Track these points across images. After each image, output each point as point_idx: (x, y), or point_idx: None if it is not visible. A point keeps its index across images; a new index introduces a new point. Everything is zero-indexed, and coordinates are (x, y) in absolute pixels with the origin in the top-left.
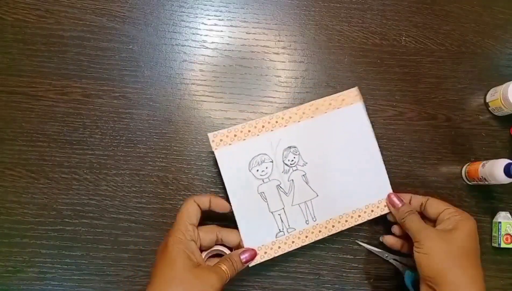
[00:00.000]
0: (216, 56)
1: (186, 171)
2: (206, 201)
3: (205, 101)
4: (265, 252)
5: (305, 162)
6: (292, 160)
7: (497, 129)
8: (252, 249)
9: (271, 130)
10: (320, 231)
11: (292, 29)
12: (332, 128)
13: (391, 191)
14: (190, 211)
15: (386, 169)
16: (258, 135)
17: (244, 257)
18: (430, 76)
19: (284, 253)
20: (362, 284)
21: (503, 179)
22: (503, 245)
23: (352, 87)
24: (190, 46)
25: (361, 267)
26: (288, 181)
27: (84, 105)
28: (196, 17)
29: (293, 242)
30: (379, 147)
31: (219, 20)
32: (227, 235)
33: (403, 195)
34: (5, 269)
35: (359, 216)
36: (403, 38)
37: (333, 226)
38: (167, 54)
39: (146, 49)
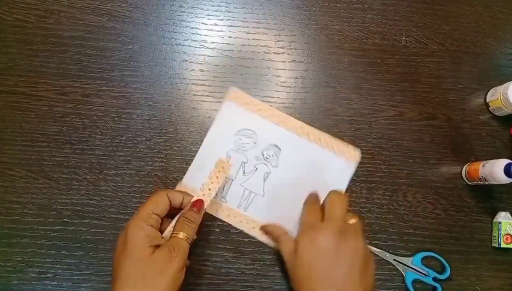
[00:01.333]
0: (216, 56)
1: (186, 171)
2: (179, 197)
3: (205, 101)
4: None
5: (277, 165)
6: (269, 156)
7: (497, 129)
8: (198, 199)
9: (276, 123)
10: (241, 221)
11: (292, 29)
12: (321, 164)
13: None
14: (160, 203)
15: (386, 169)
16: (262, 117)
17: (196, 208)
18: (430, 76)
19: None
20: None
21: (503, 179)
22: (503, 245)
23: (353, 87)
24: (190, 46)
25: None
26: (253, 166)
27: (84, 105)
28: (196, 17)
29: (216, 209)
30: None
31: (219, 20)
32: (173, 195)
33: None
34: (5, 269)
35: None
36: (403, 38)
37: (253, 228)
38: (167, 54)
39: (146, 49)
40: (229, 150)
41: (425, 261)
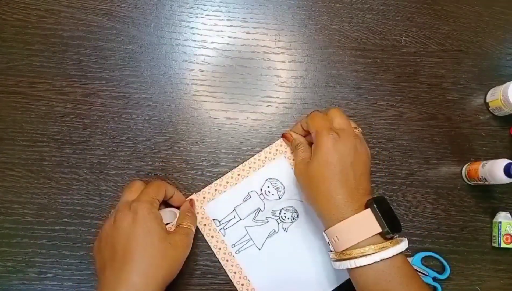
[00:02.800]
0: (216, 56)
1: (186, 171)
2: (171, 192)
3: (205, 101)
4: (202, 218)
5: (287, 229)
6: (284, 218)
7: (497, 129)
8: (190, 199)
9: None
10: (227, 260)
11: (292, 29)
12: (323, 253)
13: None
14: (160, 191)
15: (386, 168)
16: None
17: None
18: (430, 76)
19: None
20: None
21: (503, 179)
22: (503, 245)
23: (353, 87)
24: (190, 46)
25: None
26: (265, 218)
27: (84, 105)
28: (196, 17)
29: (211, 236)
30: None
31: (219, 20)
32: (167, 187)
33: (297, 126)
34: (5, 269)
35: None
36: (403, 38)
37: (234, 273)
38: (167, 54)
39: (146, 49)
40: (252, 190)
41: (425, 261)
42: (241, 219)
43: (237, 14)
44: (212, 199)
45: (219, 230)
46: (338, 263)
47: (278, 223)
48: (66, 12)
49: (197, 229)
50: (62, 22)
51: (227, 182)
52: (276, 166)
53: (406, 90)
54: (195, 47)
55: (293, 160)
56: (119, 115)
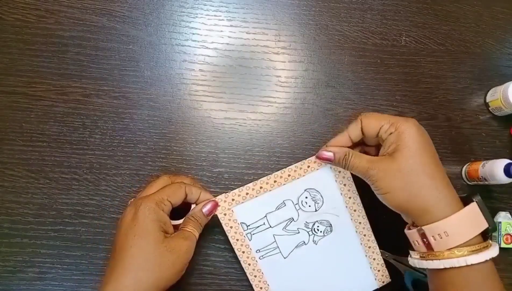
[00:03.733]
0: (216, 56)
1: (186, 171)
2: (196, 194)
3: (205, 101)
4: (229, 219)
5: (317, 243)
6: (317, 231)
7: (497, 129)
8: (213, 200)
9: (346, 205)
10: (249, 264)
11: (292, 29)
12: (352, 267)
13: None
14: (177, 193)
15: None
16: (340, 190)
17: (205, 210)
18: (430, 76)
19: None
20: None
21: (503, 179)
22: (503, 245)
23: (353, 87)
24: (190, 46)
25: None
26: (297, 228)
27: (84, 105)
28: (196, 17)
29: (237, 239)
30: None
31: (219, 20)
32: (191, 190)
33: (338, 138)
34: (5, 269)
35: None
36: (403, 38)
37: (255, 276)
38: (167, 54)
39: (146, 49)
40: (288, 199)
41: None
42: (270, 227)
43: (237, 14)
44: (242, 202)
45: (246, 234)
46: (425, 262)
47: (309, 235)
48: (66, 12)
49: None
50: (62, 22)
51: (261, 187)
52: (318, 176)
53: (406, 90)
54: (195, 47)
55: (349, 170)
56: (119, 115)
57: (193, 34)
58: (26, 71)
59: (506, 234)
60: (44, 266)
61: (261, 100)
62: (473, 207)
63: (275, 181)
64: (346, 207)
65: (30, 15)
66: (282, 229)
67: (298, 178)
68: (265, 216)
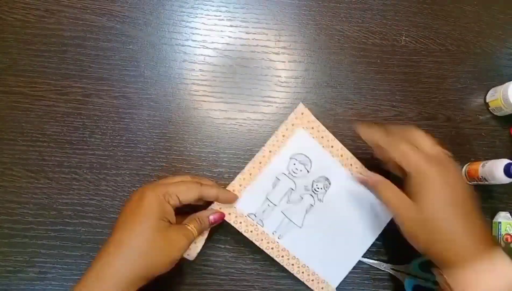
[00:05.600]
0: (216, 56)
1: (186, 171)
2: (213, 195)
3: (205, 101)
4: (229, 214)
5: (322, 200)
6: (318, 189)
7: (497, 129)
8: (222, 213)
9: (332, 156)
10: (272, 248)
11: (292, 29)
12: (363, 202)
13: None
14: (189, 192)
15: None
16: (323, 147)
17: (212, 218)
18: (430, 76)
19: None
20: (362, 285)
21: (503, 179)
22: (503, 245)
23: (353, 87)
24: (190, 46)
25: (360, 268)
26: (299, 195)
27: (84, 105)
28: (196, 17)
29: (251, 231)
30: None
31: (219, 20)
32: (208, 191)
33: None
34: (5, 269)
35: (312, 280)
36: (403, 38)
37: (282, 257)
38: (167, 54)
39: (146, 49)
40: (281, 173)
41: (424, 266)
42: (275, 205)
43: (237, 14)
44: (239, 197)
45: (256, 223)
46: None
47: (313, 196)
48: (66, 12)
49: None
50: (62, 22)
51: (251, 174)
52: (296, 140)
53: (406, 90)
54: (195, 47)
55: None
56: (119, 115)
57: (193, 34)
58: (26, 71)
59: (506, 234)
60: (44, 266)
61: (261, 100)
62: (501, 256)
63: (260, 162)
64: (333, 156)
65: (30, 15)
66: (287, 202)
67: (279, 150)
68: (266, 198)
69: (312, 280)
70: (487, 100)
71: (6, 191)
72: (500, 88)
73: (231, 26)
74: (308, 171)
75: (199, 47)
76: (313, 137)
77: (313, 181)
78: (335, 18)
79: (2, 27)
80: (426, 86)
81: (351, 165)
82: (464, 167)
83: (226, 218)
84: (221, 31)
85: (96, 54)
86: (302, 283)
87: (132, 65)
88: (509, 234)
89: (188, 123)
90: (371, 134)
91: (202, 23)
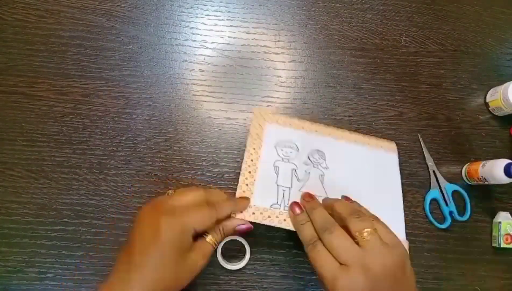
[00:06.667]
0: (216, 56)
1: (186, 171)
2: (228, 214)
3: (205, 101)
4: (253, 213)
5: (327, 166)
6: (317, 159)
7: (497, 129)
8: (249, 224)
9: (310, 131)
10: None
11: (292, 29)
12: (365, 159)
13: (404, 235)
14: (206, 223)
15: None
16: (295, 129)
17: (240, 228)
18: (430, 76)
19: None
20: None
21: (503, 179)
22: (503, 245)
23: (353, 87)
24: (190, 46)
25: None
26: (305, 171)
27: (84, 105)
28: (196, 17)
29: (284, 220)
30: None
31: (219, 20)
32: (222, 213)
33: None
34: (5, 269)
35: None
36: (403, 38)
37: None
38: (167, 54)
39: (146, 49)
40: (276, 160)
41: (455, 195)
42: (290, 187)
43: (237, 14)
44: (252, 194)
45: (283, 209)
46: None
47: (317, 167)
48: (66, 12)
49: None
50: (62, 22)
51: (250, 172)
52: (270, 134)
53: (406, 90)
54: (195, 47)
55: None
56: (119, 115)
57: (193, 34)
58: (26, 71)
59: (506, 234)
60: (44, 266)
61: (261, 100)
62: None
63: (252, 160)
64: (308, 133)
65: (30, 15)
66: (298, 181)
67: (261, 145)
68: (277, 184)
69: None
70: (487, 100)
71: (6, 191)
72: (500, 88)
73: (231, 26)
74: (297, 150)
75: (199, 47)
76: (283, 125)
77: (308, 155)
78: (335, 18)
79: (2, 27)
80: (426, 86)
81: (329, 134)
82: (464, 167)
83: (250, 218)
84: (221, 31)
85: (96, 54)
86: (302, 283)
87: (132, 65)
88: (509, 234)
89: (188, 123)
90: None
91: (202, 23)
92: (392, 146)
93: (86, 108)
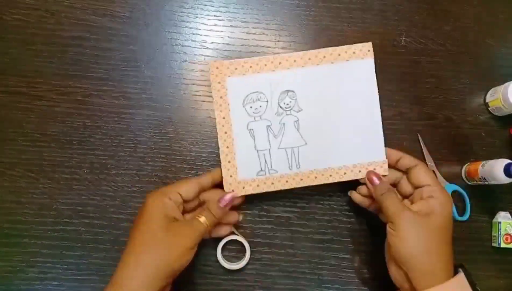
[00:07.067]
0: (216, 56)
1: (186, 171)
2: (211, 180)
3: (205, 101)
4: (243, 187)
5: (300, 108)
6: (288, 104)
7: (497, 129)
8: (229, 193)
9: (273, 70)
10: (301, 179)
11: (292, 29)
12: (336, 80)
13: (384, 155)
14: (188, 186)
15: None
16: (258, 73)
17: (223, 202)
18: (430, 76)
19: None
20: (362, 284)
21: (503, 179)
22: (503, 245)
23: None
24: (190, 46)
25: (361, 267)
26: (279, 123)
27: (85, 105)
28: (196, 17)
29: (272, 183)
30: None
31: (219, 20)
32: (205, 179)
33: (392, 152)
34: (5, 269)
35: (345, 173)
36: (403, 38)
37: (315, 177)
38: (167, 54)
39: (146, 49)
40: (248, 122)
41: (455, 195)
42: (269, 148)
43: (237, 14)
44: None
45: (270, 174)
46: None
47: (290, 113)
48: (66, 12)
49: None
50: (62, 22)
51: (228, 147)
52: (233, 89)
53: (406, 90)
54: (195, 47)
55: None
56: (119, 115)
57: (193, 34)
58: (26, 71)
59: (506, 234)
60: (44, 266)
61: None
62: (460, 279)
63: (225, 132)
64: (274, 70)
65: (30, 15)
66: (275, 137)
67: (228, 108)
68: (256, 150)
69: (360, 171)
70: (487, 100)
71: (6, 191)
72: (500, 88)
73: (231, 26)
74: (267, 101)
75: (199, 48)
76: (244, 74)
77: (278, 103)
78: (335, 18)
79: (3, 27)
80: (426, 86)
81: (294, 61)
82: (464, 167)
83: (242, 192)
84: (221, 31)
85: (96, 54)
86: (302, 283)
87: (132, 65)
88: (509, 234)
89: (188, 123)
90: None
91: (202, 23)
92: (366, 48)
93: (86, 108)
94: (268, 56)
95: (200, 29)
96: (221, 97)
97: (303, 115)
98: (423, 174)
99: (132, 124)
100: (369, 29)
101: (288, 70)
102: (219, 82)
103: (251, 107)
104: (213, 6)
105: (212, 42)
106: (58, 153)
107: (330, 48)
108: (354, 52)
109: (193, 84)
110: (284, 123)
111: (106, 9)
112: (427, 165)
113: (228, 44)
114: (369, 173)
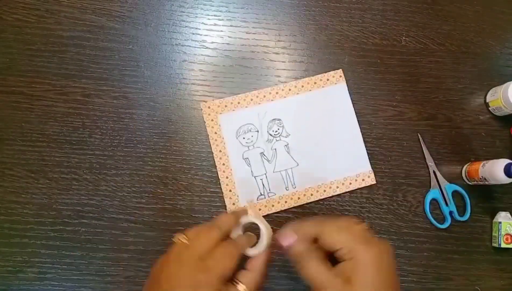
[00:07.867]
0: (216, 56)
1: (186, 171)
2: (245, 244)
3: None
4: (255, 212)
5: (288, 133)
6: (276, 131)
7: (497, 129)
8: (291, 235)
9: (259, 103)
10: (299, 198)
11: (292, 29)
12: (316, 104)
13: (369, 165)
14: (233, 261)
15: (386, 168)
16: (246, 107)
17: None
18: (430, 76)
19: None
20: None
21: (503, 179)
22: (503, 245)
23: (353, 87)
24: (190, 46)
25: None
26: (271, 149)
27: (84, 105)
28: (196, 17)
29: (272, 205)
30: (359, 124)
31: (219, 20)
32: (242, 245)
33: (287, 231)
34: (5, 269)
35: (337, 187)
36: (403, 38)
37: (311, 194)
38: (167, 54)
39: (146, 49)
40: (243, 151)
41: (455, 195)
42: (265, 173)
43: (237, 14)
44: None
45: (269, 197)
46: None
47: (280, 138)
48: (66, 12)
49: None
50: (62, 22)
51: (227, 177)
52: (226, 124)
53: (406, 90)
54: (195, 47)
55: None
56: (119, 115)
57: (193, 34)
58: (26, 71)
59: (506, 234)
60: (44, 266)
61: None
62: None
63: (223, 164)
64: (259, 103)
65: (30, 15)
66: (269, 162)
67: (224, 142)
68: (253, 176)
69: (350, 183)
70: (487, 100)
71: (6, 191)
72: (500, 88)
73: (231, 26)
74: (257, 130)
75: (199, 47)
76: (233, 110)
77: (267, 131)
78: (335, 18)
79: (3, 27)
80: (426, 86)
81: (277, 93)
82: (464, 167)
83: (245, 220)
84: (221, 31)
85: (96, 54)
86: (303, 283)
87: (132, 65)
88: (509, 234)
89: (188, 123)
90: (302, 229)
91: (202, 23)
92: (337, 73)
93: (86, 108)
94: (253, 92)
95: (200, 28)
96: (215, 133)
97: (291, 140)
98: (330, 237)
99: (132, 124)
100: (369, 29)
101: (272, 102)
102: (212, 120)
103: (243, 138)
104: (213, 6)
105: (212, 42)
106: (58, 152)
107: (306, 78)
108: (328, 79)
109: (193, 84)
110: (275, 149)
111: (105, 9)
112: (427, 164)
113: (228, 44)
114: (278, 238)
